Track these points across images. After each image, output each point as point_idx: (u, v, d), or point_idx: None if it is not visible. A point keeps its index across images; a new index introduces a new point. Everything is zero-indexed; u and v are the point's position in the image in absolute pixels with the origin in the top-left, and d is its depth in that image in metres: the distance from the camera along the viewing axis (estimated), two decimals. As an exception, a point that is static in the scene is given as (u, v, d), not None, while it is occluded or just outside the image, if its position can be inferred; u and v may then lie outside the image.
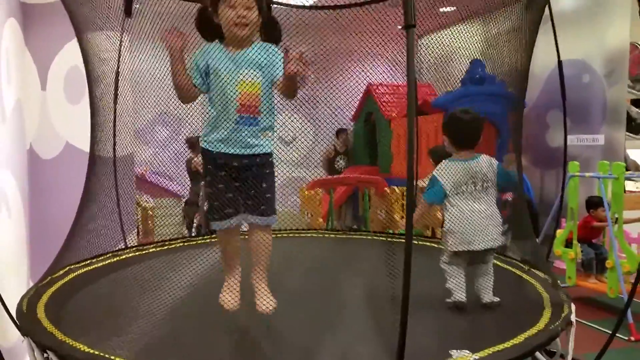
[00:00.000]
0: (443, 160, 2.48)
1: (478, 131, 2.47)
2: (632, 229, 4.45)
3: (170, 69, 1.99)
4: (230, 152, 1.99)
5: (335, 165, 7.61)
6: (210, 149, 2.01)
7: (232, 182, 2.01)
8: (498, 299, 2.33)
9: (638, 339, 3.64)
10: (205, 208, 1.98)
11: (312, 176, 5.71)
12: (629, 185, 5.67)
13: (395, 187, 5.21)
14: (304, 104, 7.12)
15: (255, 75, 2.01)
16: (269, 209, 2.08)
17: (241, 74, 1.99)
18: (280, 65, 2.03)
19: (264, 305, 2.04)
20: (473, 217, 2.32)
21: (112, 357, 1.78)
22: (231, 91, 1.97)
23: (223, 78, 1.98)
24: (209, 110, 2.03)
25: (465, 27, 3.58)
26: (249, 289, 2.12)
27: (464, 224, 2.32)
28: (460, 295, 2.34)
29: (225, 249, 2.08)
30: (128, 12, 3.36)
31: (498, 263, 3.10)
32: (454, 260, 2.41)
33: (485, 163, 2.40)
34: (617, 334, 2.34)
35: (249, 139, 2.00)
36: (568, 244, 4.60)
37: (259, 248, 2.07)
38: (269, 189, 2.08)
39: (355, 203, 6.96)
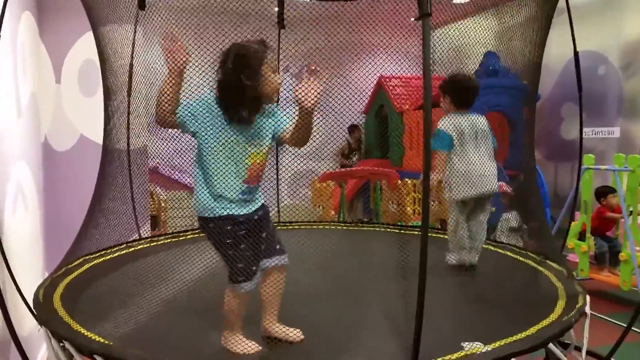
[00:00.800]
0: (445, 117, 2.72)
1: (475, 93, 2.79)
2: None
3: (163, 82, 1.75)
4: (242, 213, 1.86)
5: (349, 162, 7.61)
6: (224, 214, 1.82)
7: (251, 238, 1.87)
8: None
9: (653, 333, 3.61)
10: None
11: (324, 169, 5.72)
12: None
13: (407, 180, 5.20)
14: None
15: (263, 144, 1.87)
16: (282, 246, 1.99)
17: (252, 145, 1.84)
18: (284, 118, 1.91)
19: (295, 336, 1.97)
20: (477, 163, 2.57)
21: (127, 348, 1.80)
22: (241, 165, 1.82)
23: (234, 151, 1.81)
24: (208, 178, 1.82)
25: (479, 19, 3.55)
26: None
27: (471, 169, 2.56)
28: (467, 256, 2.61)
29: (240, 307, 1.88)
30: (142, 5, 3.38)
31: (513, 255, 3.09)
32: (460, 210, 2.64)
33: (481, 118, 2.73)
34: (633, 328, 2.32)
35: (254, 199, 1.92)
36: (582, 237, 4.56)
37: (276, 289, 1.97)
38: (275, 229, 2.01)
39: (367, 195, 6.96)
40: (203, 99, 1.82)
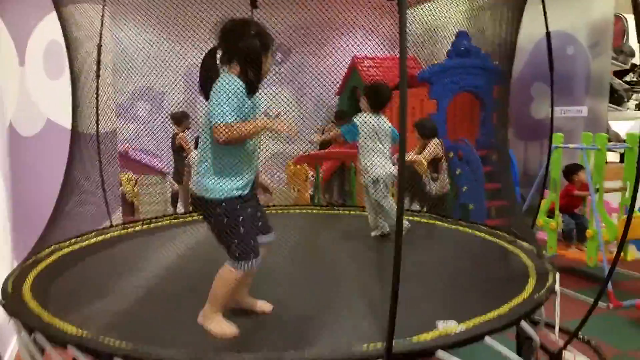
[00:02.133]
0: (361, 114, 3.38)
1: (388, 98, 3.39)
2: (613, 198, 4.52)
3: (247, 129, 1.82)
4: (250, 191, 1.96)
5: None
6: (237, 195, 1.88)
7: (254, 216, 1.98)
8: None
9: (617, 305, 3.74)
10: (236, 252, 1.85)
11: (299, 151, 5.70)
12: (610, 156, 5.74)
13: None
14: (288, 78, 7.06)
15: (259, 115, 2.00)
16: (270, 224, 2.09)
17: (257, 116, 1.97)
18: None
19: (266, 307, 2.10)
20: (383, 153, 3.31)
21: (101, 338, 1.78)
22: (251, 144, 1.93)
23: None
24: (226, 158, 1.87)
25: (450, -2, 3.54)
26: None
27: (378, 158, 3.28)
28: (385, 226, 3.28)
29: (236, 286, 1.92)
30: (109, -17, 3.27)
31: (482, 234, 3.15)
32: (381, 189, 3.27)
33: (387, 121, 3.38)
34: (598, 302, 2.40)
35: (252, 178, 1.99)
36: (551, 214, 4.67)
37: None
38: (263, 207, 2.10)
39: (342, 178, 6.97)
40: (237, 89, 1.83)
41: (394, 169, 3.32)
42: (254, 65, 1.88)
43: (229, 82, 1.82)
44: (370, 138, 3.32)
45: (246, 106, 1.87)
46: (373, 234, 3.34)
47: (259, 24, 1.96)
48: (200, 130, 1.94)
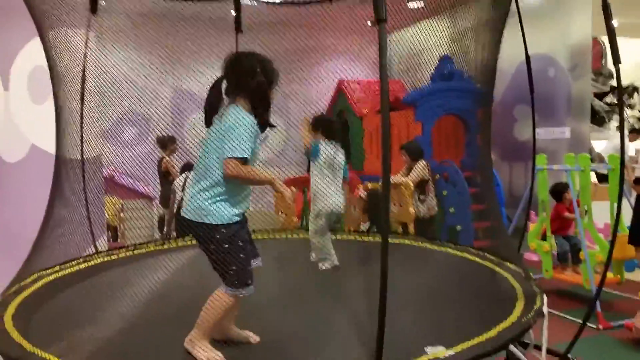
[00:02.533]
0: (321, 142, 3.27)
1: (338, 130, 3.50)
2: (599, 219, 4.54)
3: (255, 175, 1.89)
4: (241, 218, 1.96)
5: None
6: (236, 220, 1.89)
7: (249, 241, 1.99)
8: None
9: (606, 326, 3.74)
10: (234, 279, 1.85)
11: (285, 175, 5.69)
12: (595, 177, 5.82)
13: (368, 183, 5.23)
14: (275, 102, 7.05)
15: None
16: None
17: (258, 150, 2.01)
18: None
19: (252, 339, 2.06)
20: (334, 185, 3.24)
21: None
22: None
23: (256, 156, 1.99)
24: (230, 186, 1.87)
25: (433, 23, 3.61)
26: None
27: (330, 189, 3.21)
28: (334, 259, 3.17)
29: (227, 311, 1.91)
30: (94, 8, 3.29)
31: (470, 257, 3.15)
32: (321, 224, 3.22)
33: (341, 150, 3.35)
34: (587, 323, 2.40)
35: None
36: (544, 236, 4.65)
37: None
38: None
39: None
40: (251, 125, 1.87)
41: (341, 204, 3.28)
42: (263, 102, 1.91)
43: (242, 117, 1.85)
44: (326, 166, 3.25)
45: (256, 142, 1.90)
46: (328, 266, 3.19)
47: (264, 58, 1.98)
48: (203, 157, 1.91)
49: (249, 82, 1.89)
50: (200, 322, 1.91)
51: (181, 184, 5.02)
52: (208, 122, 1.93)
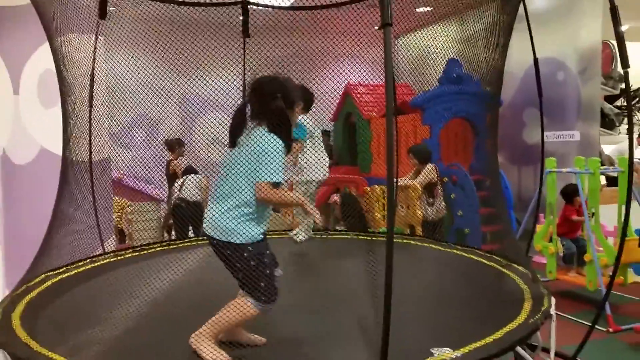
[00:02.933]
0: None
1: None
2: (609, 222, 4.52)
3: (287, 198, 1.95)
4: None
5: None
6: (261, 238, 1.93)
7: (272, 256, 2.01)
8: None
9: (616, 330, 3.71)
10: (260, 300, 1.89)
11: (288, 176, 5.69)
12: (604, 180, 5.77)
13: (376, 186, 5.23)
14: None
15: None
16: None
17: None
18: None
19: (259, 341, 2.05)
20: (320, 154, 3.58)
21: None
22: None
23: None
24: (260, 207, 1.91)
25: (441, 27, 3.61)
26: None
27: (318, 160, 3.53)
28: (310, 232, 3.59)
29: (244, 322, 1.93)
30: (102, 14, 3.32)
31: (478, 258, 3.13)
32: (312, 191, 3.56)
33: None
34: (596, 326, 2.38)
35: None
36: (550, 238, 4.63)
37: None
38: None
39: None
40: (281, 150, 1.91)
41: (327, 173, 3.61)
42: (286, 125, 1.94)
43: (272, 141, 1.88)
44: (310, 139, 3.54)
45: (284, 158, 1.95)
46: (304, 238, 3.58)
47: (287, 81, 2.04)
48: (228, 177, 1.92)
49: (271, 106, 1.93)
50: (214, 323, 1.90)
51: (179, 185, 5.08)
52: (232, 144, 1.98)
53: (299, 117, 3.35)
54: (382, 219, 5.01)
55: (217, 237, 1.89)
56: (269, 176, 1.85)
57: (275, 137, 1.90)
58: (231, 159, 1.94)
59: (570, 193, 4.55)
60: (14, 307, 2.37)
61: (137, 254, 3.42)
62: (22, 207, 4.03)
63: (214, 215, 1.90)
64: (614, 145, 6.90)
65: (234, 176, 1.90)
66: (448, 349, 1.82)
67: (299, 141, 3.46)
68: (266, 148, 1.87)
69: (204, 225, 1.95)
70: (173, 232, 5.34)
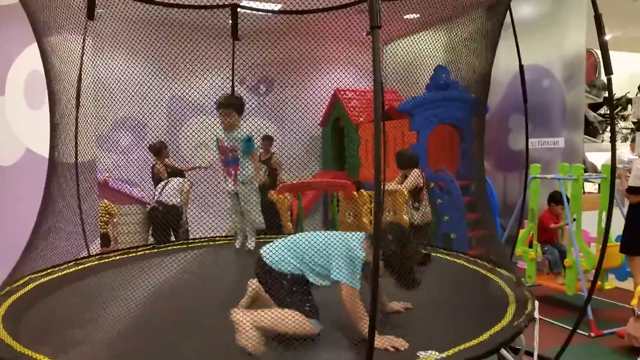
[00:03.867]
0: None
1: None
2: (592, 228, 4.58)
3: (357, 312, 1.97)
4: None
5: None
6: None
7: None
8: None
9: (597, 334, 3.76)
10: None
11: (281, 180, 5.70)
12: (587, 187, 5.85)
13: (363, 191, 5.25)
14: (271, 109, 7.11)
15: None
16: None
17: None
18: None
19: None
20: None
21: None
22: None
23: None
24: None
25: (429, 34, 3.64)
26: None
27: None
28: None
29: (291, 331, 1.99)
30: (91, 15, 3.31)
31: (462, 262, 3.16)
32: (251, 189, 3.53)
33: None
34: (577, 330, 2.41)
35: None
36: (530, 244, 4.69)
37: None
38: None
39: (325, 207, 6.98)
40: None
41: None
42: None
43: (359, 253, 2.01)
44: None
45: None
46: (237, 244, 3.49)
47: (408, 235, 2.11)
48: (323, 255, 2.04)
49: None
50: (263, 320, 1.93)
51: (160, 187, 5.06)
52: None
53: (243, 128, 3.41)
54: (369, 223, 5.03)
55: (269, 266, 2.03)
56: (357, 282, 1.98)
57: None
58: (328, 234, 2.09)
59: (559, 199, 4.60)
60: (-3, 309, 2.35)
61: (122, 256, 3.40)
62: (6, 209, 3.98)
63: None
64: (597, 152, 7.00)
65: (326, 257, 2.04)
66: (433, 351, 1.83)
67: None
68: (356, 253, 2.00)
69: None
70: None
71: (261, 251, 2.10)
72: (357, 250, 2.01)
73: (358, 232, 2.09)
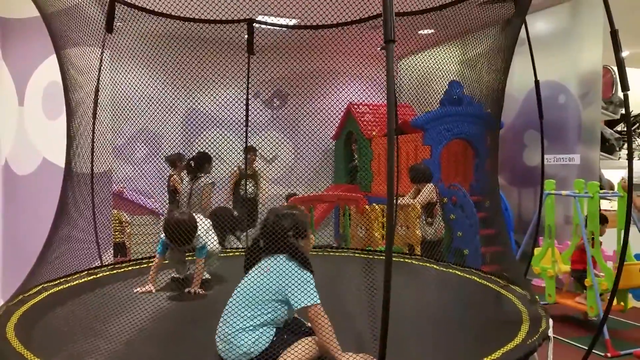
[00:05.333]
0: None
1: None
2: (608, 246, 4.50)
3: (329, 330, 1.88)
4: None
5: (241, 191, 6.17)
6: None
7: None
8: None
9: (614, 355, 3.68)
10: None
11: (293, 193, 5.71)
12: (604, 204, 5.76)
13: (376, 205, 5.23)
14: (284, 123, 7.14)
15: None
16: None
17: None
18: None
19: None
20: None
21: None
22: None
23: None
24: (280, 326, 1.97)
25: (443, 49, 3.65)
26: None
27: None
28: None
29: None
30: (109, 28, 3.37)
31: (476, 279, 3.12)
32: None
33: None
34: (594, 351, 2.36)
35: None
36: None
37: None
38: None
39: (336, 220, 6.95)
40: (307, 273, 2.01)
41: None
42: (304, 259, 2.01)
43: (299, 269, 1.97)
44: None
45: None
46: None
47: (298, 216, 2.12)
48: (252, 299, 1.92)
49: (288, 245, 2.02)
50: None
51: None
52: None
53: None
54: (381, 238, 5.00)
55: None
56: (314, 298, 1.89)
57: (297, 264, 1.97)
58: (254, 282, 1.95)
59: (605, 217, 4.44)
60: (9, 317, 2.36)
61: (136, 267, 3.42)
62: (22, 218, 4.03)
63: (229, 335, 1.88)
64: (614, 169, 6.90)
65: (260, 298, 1.90)
66: (445, 368, 1.81)
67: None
68: (298, 274, 1.94)
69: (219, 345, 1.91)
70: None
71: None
72: (299, 270, 1.96)
73: (277, 257, 2.00)
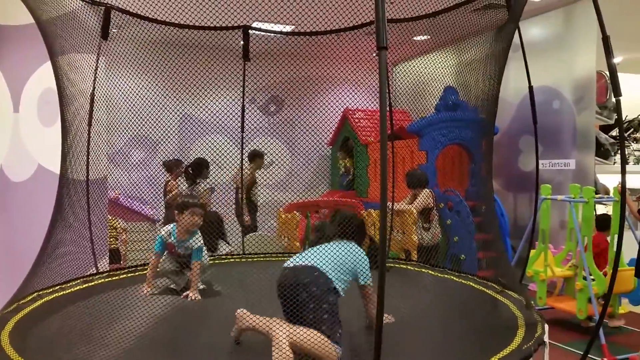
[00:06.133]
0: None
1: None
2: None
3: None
4: None
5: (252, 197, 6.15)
6: None
7: None
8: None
9: (611, 359, 3.68)
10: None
11: (290, 199, 5.70)
12: (600, 209, 5.78)
13: (372, 210, 5.23)
14: (281, 129, 7.15)
15: None
16: None
17: None
18: None
19: None
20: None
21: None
22: None
23: None
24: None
25: (438, 55, 3.67)
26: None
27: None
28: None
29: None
30: (105, 34, 3.38)
31: (471, 284, 3.12)
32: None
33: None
34: (589, 355, 2.36)
35: None
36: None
37: None
38: None
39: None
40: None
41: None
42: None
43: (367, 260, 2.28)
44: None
45: None
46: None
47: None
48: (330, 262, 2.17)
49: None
50: (299, 339, 1.94)
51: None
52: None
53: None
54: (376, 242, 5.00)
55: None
56: (371, 279, 2.23)
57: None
58: (336, 248, 2.24)
59: (607, 220, 4.44)
60: (4, 324, 2.35)
61: (131, 274, 3.41)
62: (17, 224, 4.01)
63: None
64: (609, 174, 6.92)
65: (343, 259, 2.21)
66: (440, 374, 1.81)
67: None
68: (365, 259, 2.27)
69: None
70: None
71: (294, 263, 2.18)
72: (364, 254, 2.27)
73: (348, 242, 2.32)
